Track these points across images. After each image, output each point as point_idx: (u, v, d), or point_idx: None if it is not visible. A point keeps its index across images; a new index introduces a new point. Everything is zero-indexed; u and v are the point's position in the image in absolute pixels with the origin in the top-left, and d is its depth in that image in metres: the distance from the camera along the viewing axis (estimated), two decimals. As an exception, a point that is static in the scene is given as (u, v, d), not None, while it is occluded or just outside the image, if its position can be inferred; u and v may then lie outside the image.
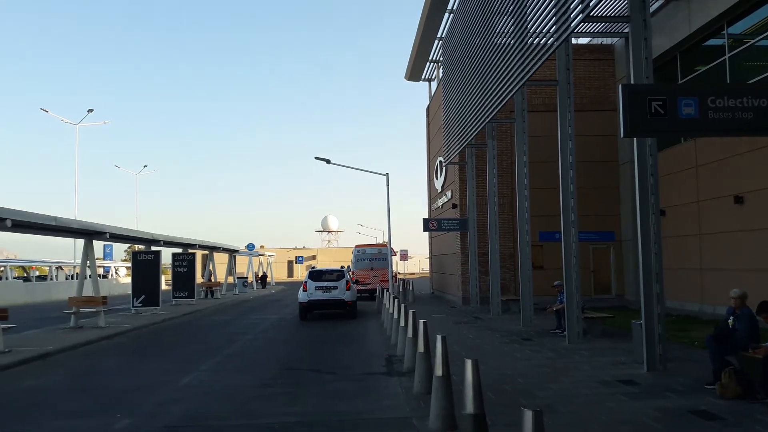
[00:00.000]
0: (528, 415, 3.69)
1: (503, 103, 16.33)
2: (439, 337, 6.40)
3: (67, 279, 50.33)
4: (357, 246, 33.62)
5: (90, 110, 41.61)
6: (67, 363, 12.16)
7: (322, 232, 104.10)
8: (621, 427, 6.50)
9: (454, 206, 25.61)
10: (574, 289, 12.79)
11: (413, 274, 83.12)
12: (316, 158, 26.12)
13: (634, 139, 9.63)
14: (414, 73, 33.92)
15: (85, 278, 18.97)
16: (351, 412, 7.53)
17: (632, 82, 9.78)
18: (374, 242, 49.45)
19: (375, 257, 31.85)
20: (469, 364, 4.92)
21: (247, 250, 45.25)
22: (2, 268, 42.62)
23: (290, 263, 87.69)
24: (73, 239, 37.20)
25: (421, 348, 8.10)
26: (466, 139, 21.00)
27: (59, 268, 57.80)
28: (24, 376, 10.67)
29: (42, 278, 56.48)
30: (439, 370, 6.33)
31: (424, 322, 8.23)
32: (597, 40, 23.95)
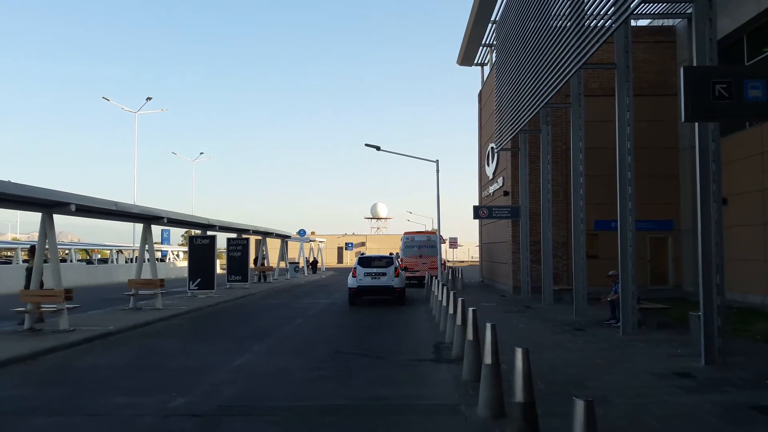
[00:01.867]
0: (579, 405, 3.62)
1: (558, 87, 15.92)
2: (488, 325, 6.34)
3: (126, 262, 52.27)
4: (406, 233, 33.63)
5: (148, 98, 42.59)
6: (127, 342, 12.64)
7: (371, 219, 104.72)
8: (676, 420, 6.30)
9: (506, 193, 25.26)
10: (630, 279, 12.44)
11: (462, 262, 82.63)
12: (366, 145, 26.18)
13: (696, 124, 9.23)
14: (466, 57, 33.47)
15: (144, 261, 19.64)
16: (400, 397, 7.56)
17: (695, 64, 9.37)
18: (423, 230, 49.40)
19: (424, 244, 31.79)
20: (519, 352, 4.85)
21: (298, 236, 45.91)
22: (66, 251, 44.58)
23: (340, 249, 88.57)
24: (132, 224, 38.60)
25: (470, 336, 8.05)
26: (519, 125, 20.61)
27: (119, 251, 60.08)
28: (87, 354, 11.16)
29: (103, 261, 58.83)
30: (488, 358, 6.28)
31: (474, 310, 8.16)
32: (657, 22, 23.04)
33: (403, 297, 20.55)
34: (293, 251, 49.28)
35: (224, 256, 31.71)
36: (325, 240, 68.90)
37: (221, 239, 29.50)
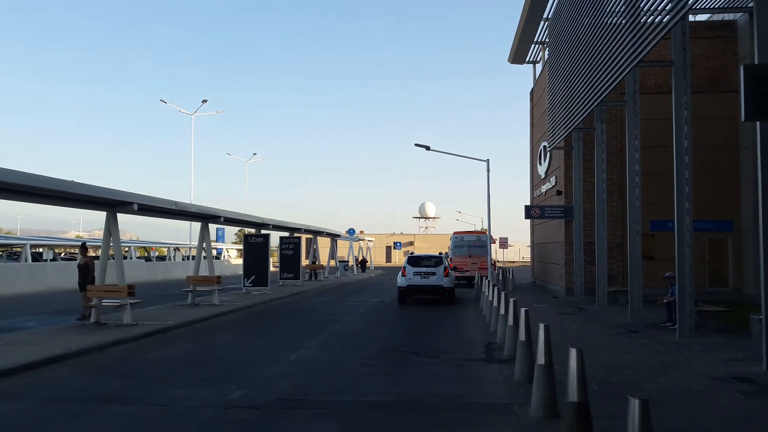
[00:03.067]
0: (634, 404, 3.63)
1: (613, 85, 15.62)
2: (541, 326, 6.35)
3: (183, 259, 53.93)
4: (455, 233, 33.54)
5: (204, 101, 43.76)
6: (186, 337, 13.13)
7: (419, 218, 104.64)
8: (736, 426, 6.17)
9: (559, 193, 24.91)
10: (687, 280, 12.13)
11: (513, 262, 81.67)
12: (416, 145, 26.24)
13: (758, 122, 8.95)
14: (518, 55, 33.11)
15: (202, 259, 20.29)
16: (451, 395, 7.64)
17: (756, 61, 9.08)
18: (472, 229, 49.10)
19: (473, 244, 31.64)
20: (573, 352, 4.87)
21: (347, 235, 46.39)
22: (127, 249, 46.33)
23: (388, 248, 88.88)
24: (188, 222, 39.76)
25: (522, 336, 8.05)
26: (573, 123, 20.31)
27: (176, 249, 62.03)
28: (149, 348, 11.65)
29: (161, 258, 60.87)
30: (541, 359, 6.29)
31: (526, 311, 8.16)
32: (717, 16, 22.27)
33: (452, 297, 20.55)
34: (342, 250, 49.83)
35: (277, 254, 32.38)
36: (373, 239, 69.32)
37: (274, 238, 30.17)
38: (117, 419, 6.60)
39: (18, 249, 46.94)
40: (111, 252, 14.99)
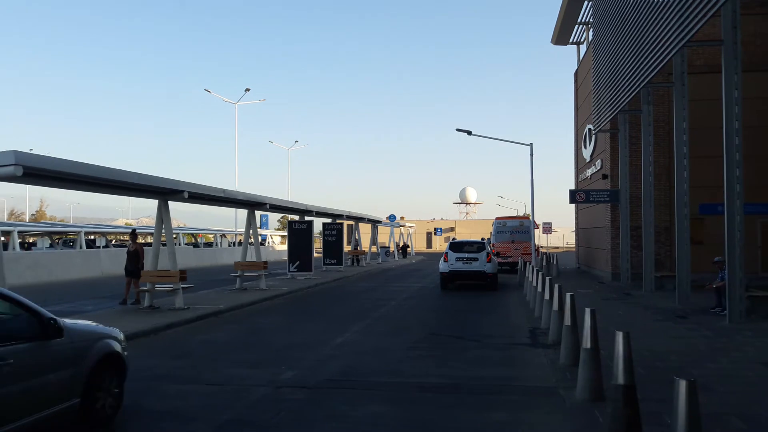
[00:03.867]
0: (681, 385, 3.68)
1: (661, 65, 15.25)
2: (588, 310, 6.39)
3: (229, 246, 55.16)
4: (498, 218, 33.33)
5: (247, 89, 44.43)
6: (236, 320, 13.56)
7: (460, 203, 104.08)
8: (789, 412, 6.10)
9: (605, 177, 24.49)
10: (738, 265, 11.87)
11: (557, 248, 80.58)
12: (457, 130, 26.11)
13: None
14: (561, 36, 32.49)
15: (249, 245, 20.79)
16: (497, 378, 7.75)
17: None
18: (515, 215, 48.64)
19: (516, 230, 31.38)
20: (620, 336, 4.91)
21: (388, 221, 46.60)
22: (176, 235, 47.66)
23: (429, 234, 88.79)
24: (233, 209, 40.58)
25: (567, 321, 8.08)
26: (619, 105, 19.91)
27: (223, 235, 63.48)
28: (201, 330, 12.10)
29: (208, 245, 62.41)
30: (587, 343, 6.34)
31: (571, 295, 8.18)
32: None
33: (495, 282, 20.54)
34: (383, 236, 50.11)
35: (320, 240, 32.85)
36: (414, 225, 69.36)
37: (317, 224, 30.59)
38: (176, 397, 6.95)
39: (73, 236, 48.85)
40: (162, 238, 15.49)
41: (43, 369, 5.08)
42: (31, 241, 52.49)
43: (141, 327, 11.57)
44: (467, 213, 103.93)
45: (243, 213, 20.69)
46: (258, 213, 25.08)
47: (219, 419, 6.09)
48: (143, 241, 50.00)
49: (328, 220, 30.82)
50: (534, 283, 14.60)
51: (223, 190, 16.81)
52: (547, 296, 11.48)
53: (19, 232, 40.26)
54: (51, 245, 50.96)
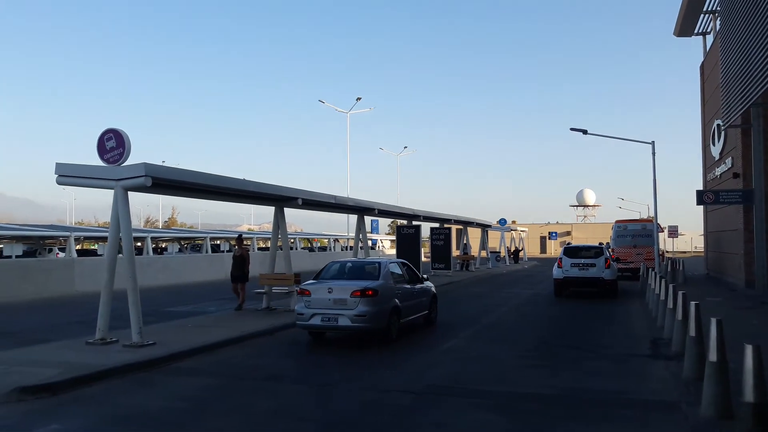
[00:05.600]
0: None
1: (800, 52, 13.84)
2: (713, 320, 5.88)
3: (342, 250, 56.72)
4: (618, 221, 31.69)
5: (358, 98, 45.63)
6: (346, 323, 13.83)
7: (577, 206, 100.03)
8: None
9: (736, 176, 22.54)
10: None
11: (684, 252, 75.30)
12: (572, 129, 25.16)
13: None
14: (684, 27, 30.37)
15: (359, 249, 21.23)
16: (611, 391, 7.33)
17: None
18: (637, 218, 46.01)
19: (638, 234, 29.66)
20: (749, 349, 4.48)
21: (499, 225, 45.77)
22: (293, 240, 49.74)
23: (543, 239, 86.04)
24: (345, 215, 41.68)
25: (692, 331, 7.49)
26: (751, 98, 18.24)
27: (336, 240, 65.45)
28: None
29: (322, 249, 64.61)
30: (713, 355, 5.83)
31: (696, 304, 7.58)
32: None
33: (614, 290, 19.50)
34: (494, 241, 49.27)
35: (428, 244, 32.90)
36: (526, 229, 67.64)
37: (425, 229, 30.65)
38: (290, 396, 7.20)
39: (200, 241, 52.45)
40: (279, 243, 16.16)
41: (420, 294, 12.63)
42: (163, 246, 56.90)
43: (258, 327, 12.15)
44: (585, 216, 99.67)
45: (354, 218, 21.16)
46: (368, 218, 25.56)
47: (326, 420, 6.24)
48: (264, 246, 52.74)
49: (436, 225, 30.79)
50: (657, 291, 13.71)
51: (334, 197, 17.30)
52: (670, 305, 10.74)
53: (152, 238, 43.76)
54: (180, 250, 55.03)
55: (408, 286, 12.06)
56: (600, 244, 23.42)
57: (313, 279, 11.57)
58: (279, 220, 15.50)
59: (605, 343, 10.81)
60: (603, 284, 19.19)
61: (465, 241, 37.05)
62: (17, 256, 38.19)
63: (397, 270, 12.10)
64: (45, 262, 27.25)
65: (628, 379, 8.00)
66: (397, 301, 11.10)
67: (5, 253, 40.66)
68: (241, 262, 15.53)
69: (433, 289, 13.54)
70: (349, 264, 12.28)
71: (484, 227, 40.42)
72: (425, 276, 13.61)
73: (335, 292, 10.61)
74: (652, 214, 27.57)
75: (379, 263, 11.74)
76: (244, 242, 16.59)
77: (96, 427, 6.06)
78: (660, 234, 31.66)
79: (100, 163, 10.14)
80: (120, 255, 10.83)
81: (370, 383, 7.76)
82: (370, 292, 10.40)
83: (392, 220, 60.76)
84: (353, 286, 10.60)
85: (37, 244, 43.39)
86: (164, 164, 11.61)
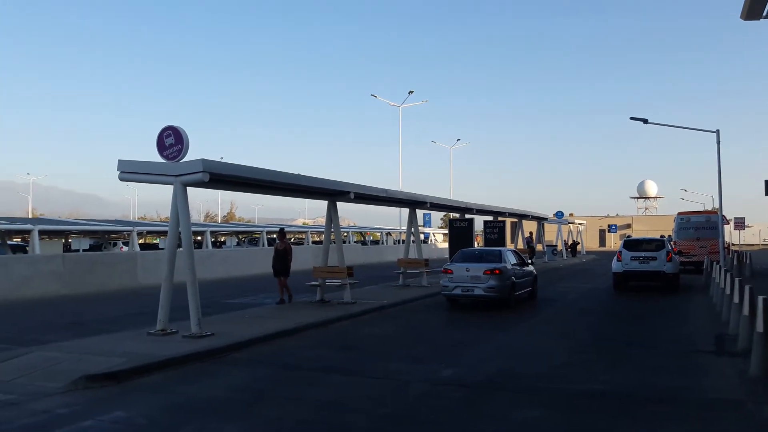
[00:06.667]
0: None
1: None
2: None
3: (394, 243, 56.83)
4: (680, 213, 30.53)
5: (410, 92, 45.36)
6: (398, 315, 13.90)
7: (637, 198, 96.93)
8: None
9: (808, 165, 21.35)
10: None
11: (752, 245, 71.92)
12: (631, 119, 24.34)
13: None
14: (753, 9, 28.86)
15: (410, 243, 21.23)
16: (672, 389, 7.08)
17: None
18: (700, 209, 44.21)
19: (702, 226, 28.50)
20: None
21: (555, 218, 44.81)
22: (346, 234, 50.15)
23: (602, 232, 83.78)
24: (398, 208, 41.72)
25: (759, 327, 7.16)
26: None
27: (388, 233, 65.61)
28: (366, 324, 12.57)
29: (375, 242, 64.88)
30: (782, 353, 5.55)
31: (764, 299, 7.23)
32: None
33: (676, 284, 18.81)
34: (550, 234, 48.34)
35: (481, 238, 32.55)
36: (584, 222, 65.96)
37: (478, 222, 30.30)
38: (342, 388, 7.28)
39: (256, 235, 53.52)
40: (332, 236, 16.32)
41: (526, 275, 16.01)
42: (221, 239, 58.39)
43: (312, 319, 12.32)
44: (646, 208, 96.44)
45: (406, 212, 21.15)
46: (420, 211, 25.49)
47: (378, 412, 6.27)
48: (318, 239, 53.43)
49: (490, 218, 30.41)
50: (722, 285, 13.16)
51: (386, 191, 17.33)
52: (736, 299, 10.29)
53: (212, 232, 44.95)
54: (238, 243, 56.32)
55: (519, 269, 15.55)
56: (661, 236, 22.62)
57: (450, 262, 15.77)
58: (332, 214, 15.66)
59: (666, 339, 10.46)
60: (664, 278, 18.56)
61: (527, 235, 36.35)
62: (84, 250, 39.97)
63: (512, 256, 15.74)
64: (110, 256, 28.44)
65: (690, 376, 7.71)
66: (513, 278, 14.81)
67: (73, 247, 42.57)
68: (283, 255, 15.26)
69: (534, 271, 17.18)
70: (476, 252, 16.59)
71: (540, 220, 39.66)
72: (530, 261, 18.20)
73: (471, 271, 14.48)
74: (716, 205, 26.41)
75: (500, 251, 15.85)
76: (286, 236, 16.35)
77: (157, 414, 6.28)
78: (725, 226, 30.33)
79: (160, 159, 10.47)
80: (180, 248, 11.17)
81: (423, 376, 7.74)
82: (498, 271, 14.25)
83: (444, 213, 60.46)
84: (485, 266, 14.41)
85: (102, 238, 45.25)
86: (222, 160, 11.85)
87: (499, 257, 15.05)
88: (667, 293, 18.14)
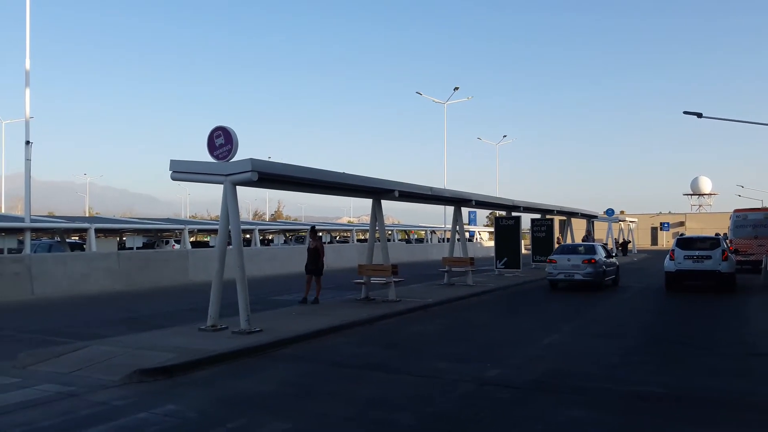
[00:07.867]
0: None
1: None
2: None
3: (438, 242, 56.62)
4: (736, 211, 29.40)
5: (456, 88, 44.99)
6: (443, 314, 13.84)
7: (691, 195, 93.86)
8: None
9: None
10: None
11: (815, 244, 68.58)
12: (685, 113, 23.58)
13: None
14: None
15: (456, 241, 21.12)
16: (729, 391, 6.84)
17: None
18: (758, 206, 42.51)
19: (760, 224, 27.37)
20: None
21: (605, 216, 43.83)
22: (390, 232, 50.23)
23: (654, 230, 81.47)
24: (443, 206, 41.55)
25: (823, 330, 6.85)
26: None
27: (432, 232, 65.41)
28: (411, 322, 12.57)
29: (419, 240, 64.78)
30: None
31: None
32: None
33: (732, 283, 18.14)
34: (600, 232, 47.30)
35: (528, 236, 32.10)
36: (636, 220, 64.32)
37: (525, 220, 29.91)
38: (388, 385, 7.31)
39: (303, 233, 54.19)
40: (377, 234, 16.38)
41: (612, 265, 20.23)
42: (269, 237, 59.36)
43: (358, 317, 12.40)
44: (700, 206, 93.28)
45: (451, 210, 21.05)
46: (465, 209, 25.31)
47: (423, 411, 6.26)
48: (363, 237, 53.72)
49: (537, 216, 29.97)
50: (781, 286, 12.63)
51: (430, 188, 17.28)
52: (797, 301, 9.85)
53: (260, 230, 45.69)
54: (285, 241, 57.16)
55: (606, 260, 19.34)
56: (716, 234, 21.84)
57: (552, 254, 19.74)
58: (377, 212, 15.71)
59: (723, 339, 10.11)
60: (719, 278, 17.92)
61: (569, 233, 35.80)
62: (138, 248, 41.26)
63: (601, 250, 19.77)
64: (162, 253, 29.27)
65: (749, 378, 7.45)
66: (604, 267, 18.71)
67: (127, 245, 44.01)
68: (315, 254, 14.92)
69: (617, 262, 21.40)
70: (575, 246, 20.32)
71: (590, 218, 38.88)
72: (614, 253, 22.11)
73: (572, 260, 18.47)
74: (777, 202, 25.30)
75: (594, 245, 19.87)
76: (318, 234, 15.93)
77: (208, 408, 6.44)
78: (787, 224, 29.02)
79: (210, 159, 10.72)
80: (229, 246, 11.40)
81: (470, 375, 7.68)
82: (594, 261, 18.28)
83: (490, 211, 59.87)
84: (583, 257, 18.49)
85: (155, 236, 46.64)
86: (270, 159, 12.05)
87: (593, 250, 19.01)
88: (722, 293, 17.52)
